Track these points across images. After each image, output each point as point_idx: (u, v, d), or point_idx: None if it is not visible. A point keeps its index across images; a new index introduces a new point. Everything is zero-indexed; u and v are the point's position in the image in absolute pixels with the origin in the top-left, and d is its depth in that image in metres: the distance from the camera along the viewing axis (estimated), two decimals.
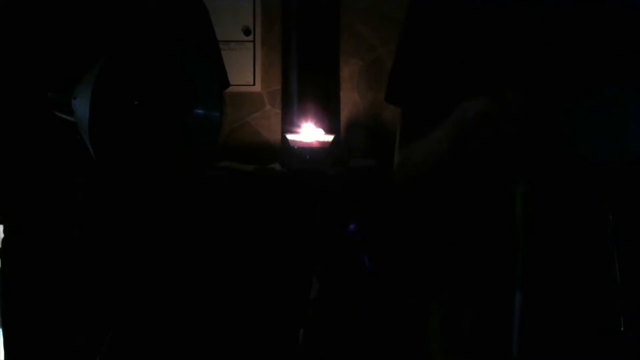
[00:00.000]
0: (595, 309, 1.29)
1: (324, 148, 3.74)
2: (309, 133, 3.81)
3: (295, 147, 3.76)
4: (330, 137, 3.78)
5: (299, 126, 3.92)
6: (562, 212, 1.30)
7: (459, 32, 1.36)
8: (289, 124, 4.06)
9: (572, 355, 1.32)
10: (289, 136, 3.82)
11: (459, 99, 1.25)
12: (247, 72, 4.38)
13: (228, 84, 1.94)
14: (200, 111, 1.48)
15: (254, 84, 4.39)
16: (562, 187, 1.29)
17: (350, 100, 4.38)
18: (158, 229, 1.81)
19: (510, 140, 1.17)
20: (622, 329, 1.23)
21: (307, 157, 3.70)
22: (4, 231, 1.82)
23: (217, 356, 3.47)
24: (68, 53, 1.67)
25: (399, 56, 1.46)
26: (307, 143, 3.73)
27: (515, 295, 1.21)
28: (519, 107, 1.15)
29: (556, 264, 1.30)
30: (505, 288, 1.24)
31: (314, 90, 4.10)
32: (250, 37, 4.37)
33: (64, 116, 1.44)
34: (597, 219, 1.26)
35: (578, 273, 1.30)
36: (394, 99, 1.48)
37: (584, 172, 1.24)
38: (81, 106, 1.35)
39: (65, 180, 1.69)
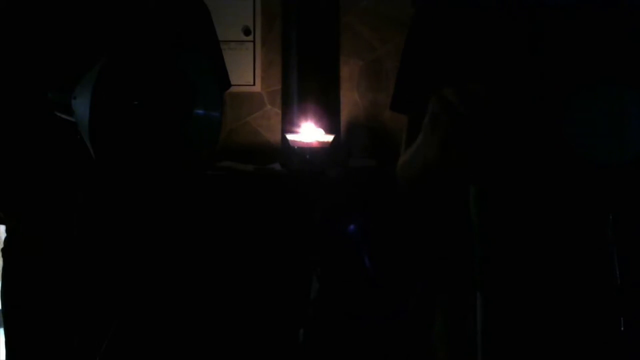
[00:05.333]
0: (595, 309, 1.29)
1: (324, 148, 3.74)
2: (309, 133, 3.81)
3: (295, 147, 3.76)
4: (330, 137, 3.79)
5: (299, 126, 3.92)
6: (559, 212, 1.30)
7: (459, 41, 1.37)
8: (289, 124, 4.07)
9: (571, 356, 1.32)
10: (289, 136, 3.83)
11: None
12: (247, 72, 4.38)
13: (229, 85, 1.94)
14: (200, 111, 1.48)
15: (254, 84, 4.39)
16: (559, 186, 1.29)
17: (350, 100, 4.38)
18: (158, 229, 1.81)
19: (455, 143, 1.16)
20: (622, 329, 1.23)
21: (307, 157, 3.70)
22: (6, 231, 1.82)
23: (217, 356, 3.47)
24: (68, 53, 1.67)
25: (402, 67, 1.48)
26: (307, 143, 3.73)
27: (476, 296, 1.21)
28: (460, 108, 1.14)
29: (554, 265, 1.30)
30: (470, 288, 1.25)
31: (314, 90, 4.10)
32: (250, 37, 4.37)
33: (64, 116, 1.44)
34: (597, 219, 1.26)
35: (577, 273, 1.30)
36: (398, 107, 1.50)
37: (584, 171, 1.24)
38: (81, 106, 1.35)
39: (65, 180, 1.69)
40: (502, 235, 1.28)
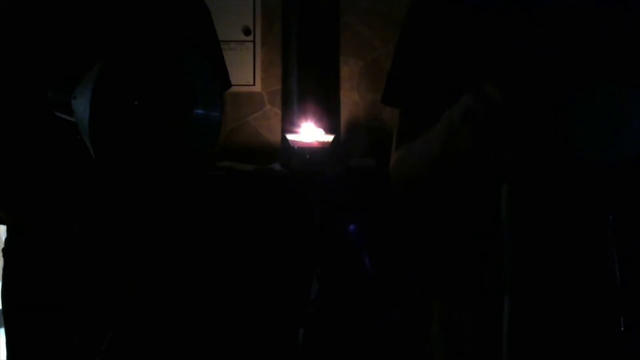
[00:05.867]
0: (595, 309, 1.29)
1: (324, 148, 3.74)
2: (309, 133, 3.81)
3: (295, 147, 3.76)
4: (330, 137, 3.79)
5: (299, 126, 3.92)
6: (559, 212, 1.29)
7: (455, 35, 1.36)
8: (289, 124, 4.07)
9: (571, 356, 1.32)
10: (289, 136, 3.83)
11: (451, 100, 1.25)
12: (247, 72, 4.38)
13: (230, 85, 1.94)
14: (200, 111, 1.48)
15: (254, 84, 4.39)
16: (560, 186, 1.29)
17: (350, 100, 4.38)
18: (158, 229, 1.81)
19: (492, 138, 1.16)
20: (622, 329, 1.23)
21: (307, 157, 3.70)
22: (7, 231, 1.82)
23: (217, 356, 3.47)
24: (68, 53, 1.67)
25: (396, 60, 1.47)
26: (307, 143, 3.73)
27: (504, 299, 1.21)
28: (500, 103, 1.14)
29: (553, 265, 1.30)
30: (495, 291, 1.24)
31: (314, 90, 4.10)
32: (250, 37, 4.37)
33: (63, 116, 1.44)
34: (596, 219, 1.25)
35: (577, 273, 1.30)
36: (391, 101, 1.49)
37: (584, 171, 1.24)
38: (81, 106, 1.35)
39: (66, 180, 1.69)
40: (530, 235, 1.27)
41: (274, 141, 4.37)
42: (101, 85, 1.33)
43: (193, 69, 1.47)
